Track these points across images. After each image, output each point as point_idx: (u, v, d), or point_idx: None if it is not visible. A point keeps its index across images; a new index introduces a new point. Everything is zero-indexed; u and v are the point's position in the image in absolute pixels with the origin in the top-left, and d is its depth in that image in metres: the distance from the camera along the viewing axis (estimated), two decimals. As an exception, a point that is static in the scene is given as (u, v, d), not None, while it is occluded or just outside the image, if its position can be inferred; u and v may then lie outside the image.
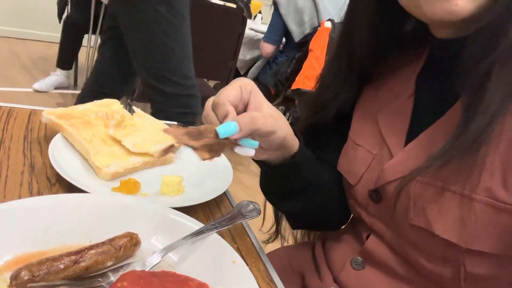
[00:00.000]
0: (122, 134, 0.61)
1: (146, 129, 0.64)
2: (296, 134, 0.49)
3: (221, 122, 0.39)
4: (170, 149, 0.62)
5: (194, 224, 0.45)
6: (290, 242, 0.72)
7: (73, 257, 0.36)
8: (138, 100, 1.77)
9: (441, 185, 0.43)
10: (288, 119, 0.60)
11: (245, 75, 2.51)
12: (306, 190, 0.53)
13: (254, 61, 2.50)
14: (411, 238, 0.47)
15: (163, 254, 0.40)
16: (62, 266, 0.35)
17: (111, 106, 0.67)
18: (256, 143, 0.40)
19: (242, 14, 1.72)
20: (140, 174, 0.58)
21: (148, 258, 0.40)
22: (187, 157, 0.65)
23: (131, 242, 0.40)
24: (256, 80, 2.38)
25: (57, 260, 0.35)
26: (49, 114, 0.59)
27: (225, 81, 1.88)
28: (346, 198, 0.58)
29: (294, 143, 0.48)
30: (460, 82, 0.43)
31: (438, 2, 0.41)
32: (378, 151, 0.52)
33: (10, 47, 3.25)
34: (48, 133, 0.60)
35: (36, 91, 2.55)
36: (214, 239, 0.43)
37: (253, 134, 0.40)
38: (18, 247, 0.37)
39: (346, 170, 0.56)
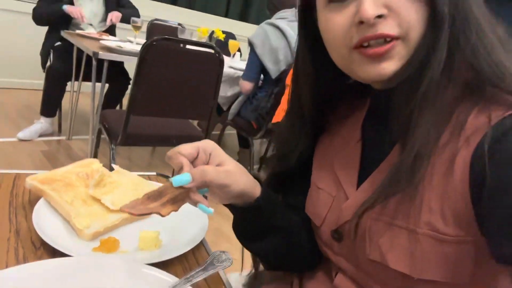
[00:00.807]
0: (102, 192, 0.65)
1: (125, 185, 0.68)
2: (259, 180, 0.55)
3: (177, 173, 0.47)
4: (148, 203, 0.66)
5: (170, 279, 0.48)
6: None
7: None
8: (122, 145, 1.81)
9: (389, 221, 0.48)
10: (273, 150, 0.66)
11: (228, 110, 2.58)
12: (272, 233, 0.58)
13: (235, 97, 2.58)
14: (371, 272, 0.52)
15: (141, 311, 0.44)
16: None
17: (91, 165, 0.71)
18: (210, 211, 0.47)
19: (219, 57, 1.80)
20: (120, 231, 0.61)
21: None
22: (165, 209, 0.69)
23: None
24: (238, 115, 2.46)
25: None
26: (32, 179, 0.63)
27: (207, 119, 1.94)
28: (316, 243, 0.62)
29: (255, 191, 0.53)
30: (393, 127, 0.49)
31: (368, 67, 0.47)
32: (336, 193, 0.57)
33: (-6, 97, 3.29)
34: (32, 198, 0.64)
35: (21, 140, 2.57)
36: (187, 292, 0.47)
37: (208, 186, 0.47)
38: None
39: (312, 212, 0.61)
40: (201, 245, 0.62)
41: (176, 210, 0.46)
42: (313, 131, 0.62)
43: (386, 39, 0.45)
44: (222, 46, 3.10)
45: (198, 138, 1.82)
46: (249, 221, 0.56)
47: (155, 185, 0.72)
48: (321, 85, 0.59)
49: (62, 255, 0.51)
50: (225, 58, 2.82)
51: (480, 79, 0.45)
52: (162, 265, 0.52)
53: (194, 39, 2.74)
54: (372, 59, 0.47)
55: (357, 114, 0.60)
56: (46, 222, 0.57)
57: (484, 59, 0.44)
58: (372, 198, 0.48)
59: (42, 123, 2.70)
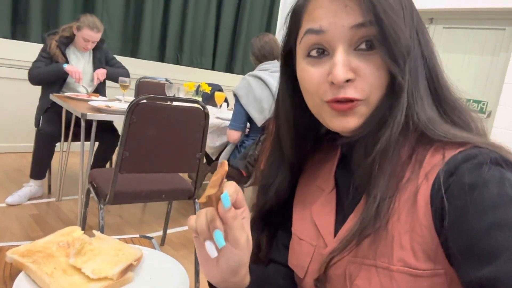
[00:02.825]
0: (82, 261, 0.65)
1: (105, 251, 0.68)
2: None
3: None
4: (128, 268, 0.66)
5: None
6: None
7: None
8: (111, 204, 1.81)
9: (364, 261, 0.50)
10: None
11: (217, 160, 2.60)
12: None
13: (223, 146, 2.61)
14: None
15: None
16: None
17: (72, 233, 0.71)
18: (223, 243, 0.45)
19: (204, 111, 1.85)
20: (100, 300, 0.61)
21: None
22: (146, 272, 0.69)
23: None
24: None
25: None
26: (12, 253, 0.63)
27: (195, 171, 1.95)
28: None
29: (246, 277, 0.53)
30: (356, 178, 0.52)
31: (336, 119, 0.52)
32: (316, 242, 0.58)
33: (-17, 162, 3.29)
34: (13, 272, 0.64)
35: (10, 205, 2.54)
36: None
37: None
38: None
39: (295, 264, 0.61)
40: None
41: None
42: (290, 169, 0.64)
43: (352, 100, 0.50)
44: (209, 98, 3.19)
45: (188, 191, 1.83)
46: None
47: (137, 249, 0.72)
48: (298, 126, 0.62)
49: (39, 332, 0.50)
50: (212, 109, 2.90)
51: (427, 135, 0.50)
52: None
53: (181, 93, 2.82)
54: (338, 113, 0.51)
55: (330, 163, 0.63)
56: (24, 298, 0.56)
57: (425, 124, 0.50)
58: (342, 245, 0.50)
59: (32, 186, 2.68)
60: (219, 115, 2.72)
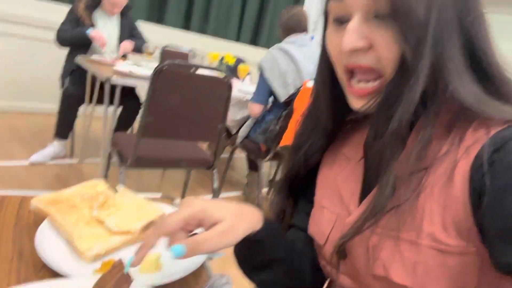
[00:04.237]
0: (105, 214, 0.66)
1: (128, 207, 0.69)
2: (263, 212, 0.55)
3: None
4: (150, 225, 0.66)
5: (169, 302, 0.48)
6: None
7: None
8: (132, 167, 1.83)
9: (391, 234, 0.48)
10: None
11: (237, 133, 2.59)
12: (274, 264, 0.58)
13: (244, 120, 2.60)
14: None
15: (138, 335, 0.43)
16: None
17: (96, 187, 0.72)
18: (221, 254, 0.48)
19: (227, 81, 1.83)
20: (122, 253, 0.61)
21: None
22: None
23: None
24: (247, 138, 2.47)
25: None
26: (37, 201, 0.64)
27: (215, 142, 1.95)
28: (318, 266, 0.62)
29: (257, 228, 0.53)
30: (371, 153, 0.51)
31: (351, 98, 0.52)
32: (339, 211, 0.57)
33: (9, 121, 3.37)
34: (37, 219, 0.65)
35: (34, 163, 2.61)
36: (186, 316, 0.46)
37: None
38: None
39: (315, 231, 0.61)
40: (202, 268, 0.62)
41: None
42: (324, 132, 0.63)
43: (368, 80, 0.49)
44: (232, 70, 3.16)
45: (207, 161, 1.84)
46: (249, 254, 0.55)
47: (159, 207, 0.72)
48: (336, 96, 0.60)
49: (63, 276, 0.51)
50: (235, 81, 2.87)
51: (467, 110, 0.46)
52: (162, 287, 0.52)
53: (205, 64, 2.80)
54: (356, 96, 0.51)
55: (361, 133, 0.61)
56: (48, 244, 0.57)
57: (466, 102, 0.45)
58: (363, 218, 0.49)
59: (55, 146, 2.74)
60: (242, 88, 2.69)
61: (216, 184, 2.03)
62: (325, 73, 0.59)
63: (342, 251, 0.54)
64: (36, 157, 2.64)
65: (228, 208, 0.50)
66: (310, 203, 0.64)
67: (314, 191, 0.64)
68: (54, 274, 0.53)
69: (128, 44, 2.85)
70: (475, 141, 0.45)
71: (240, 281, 0.63)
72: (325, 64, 0.58)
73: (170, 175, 2.94)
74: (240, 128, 2.57)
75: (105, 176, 2.09)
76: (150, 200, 0.75)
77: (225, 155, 2.82)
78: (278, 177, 0.70)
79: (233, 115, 2.59)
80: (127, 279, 0.49)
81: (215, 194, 2.01)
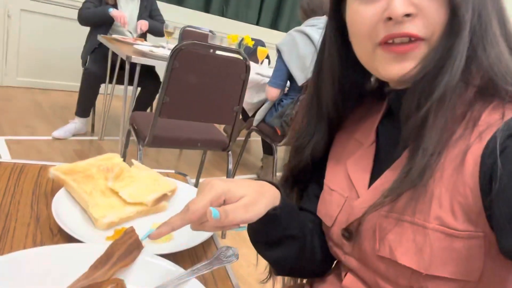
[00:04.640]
0: (120, 185, 0.68)
1: (142, 179, 0.71)
2: (278, 188, 0.55)
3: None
4: (162, 197, 0.68)
5: (177, 270, 0.49)
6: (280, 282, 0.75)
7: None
8: (149, 146, 1.86)
9: (398, 217, 0.48)
10: (290, 141, 0.68)
11: (253, 116, 2.60)
12: (288, 241, 0.58)
13: (261, 103, 2.59)
14: (380, 270, 0.52)
15: (146, 298, 0.45)
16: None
17: (112, 160, 0.74)
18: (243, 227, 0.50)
19: (246, 63, 1.82)
20: (134, 222, 0.63)
21: (132, 302, 0.44)
22: (180, 205, 0.70)
23: (117, 287, 0.45)
24: (263, 121, 2.47)
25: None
26: (55, 170, 0.66)
27: (231, 124, 1.96)
28: (327, 247, 0.62)
29: (276, 202, 0.54)
30: (405, 129, 0.49)
31: (390, 65, 0.49)
32: (348, 194, 0.57)
33: (33, 97, 3.46)
34: (55, 187, 0.67)
35: (55, 138, 2.69)
36: (192, 284, 0.48)
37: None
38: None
39: (323, 214, 0.61)
40: (211, 240, 0.63)
41: (127, 265, 0.48)
42: (329, 126, 0.63)
43: (411, 38, 0.46)
44: (251, 53, 3.14)
45: (223, 143, 1.85)
46: (266, 229, 0.56)
47: (172, 181, 0.73)
48: (344, 80, 0.60)
49: (78, 242, 0.53)
50: (253, 64, 2.85)
51: (493, 84, 0.46)
52: (172, 257, 0.54)
53: (224, 45, 2.79)
54: (395, 57, 0.48)
55: (372, 117, 0.61)
56: (64, 210, 0.60)
57: (498, 69, 0.45)
58: (381, 198, 0.48)
59: (76, 123, 2.81)
60: (260, 71, 2.68)
61: (230, 166, 2.05)
62: (334, 58, 0.58)
63: (348, 232, 0.55)
64: (58, 132, 2.72)
65: (249, 185, 0.51)
66: (319, 186, 0.64)
67: (323, 174, 0.64)
68: (68, 239, 0.55)
69: (143, 23, 2.87)
70: (488, 126, 0.44)
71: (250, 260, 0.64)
72: (334, 48, 0.58)
73: (187, 155, 2.98)
74: (256, 112, 2.57)
75: (124, 154, 2.13)
76: (163, 175, 0.77)
77: (241, 138, 2.83)
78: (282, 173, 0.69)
79: (250, 98, 2.59)
80: (138, 245, 0.51)
81: (229, 176, 2.03)
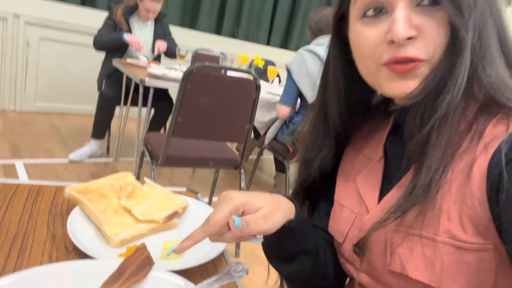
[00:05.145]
0: (133, 204, 0.69)
1: (154, 197, 0.72)
2: (293, 202, 0.56)
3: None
4: (173, 215, 0.69)
5: (187, 285, 0.50)
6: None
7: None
8: (162, 165, 1.89)
9: (408, 231, 0.48)
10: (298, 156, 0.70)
11: (265, 135, 2.62)
12: (302, 255, 0.59)
13: (272, 122, 2.62)
14: (392, 285, 0.52)
15: (157, 313, 0.46)
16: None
17: (125, 179, 0.76)
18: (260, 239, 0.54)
19: (256, 82, 1.85)
20: (146, 239, 0.65)
21: (143, 317, 0.45)
22: (191, 221, 0.72)
23: None
24: (274, 139, 2.48)
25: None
26: (70, 189, 0.68)
27: (243, 142, 1.98)
28: (339, 263, 0.62)
29: (291, 215, 0.55)
30: (409, 147, 0.50)
31: (394, 83, 0.49)
32: (358, 210, 0.57)
33: (50, 121, 3.56)
34: (70, 207, 0.69)
35: (72, 161, 2.75)
36: (202, 298, 0.48)
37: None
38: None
39: (335, 230, 0.61)
40: (222, 256, 0.64)
41: (139, 281, 0.49)
42: (336, 141, 0.63)
43: (414, 60, 0.47)
44: (261, 73, 3.19)
45: (235, 161, 1.87)
46: (280, 243, 0.57)
47: (183, 199, 0.75)
48: (349, 97, 0.60)
49: (91, 259, 0.55)
50: (264, 83, 2.90)
51: (495, 101, 0.46)
52: (183, 274, 0.54)
53: (235, 66, 2.85)
54: (398, 75, 0.48)
55: (380, 133, 0.61)
56: (79, 229, 0.61)
57: (498, 87, 0.46)
58: (388, 214, 0.49)
59: (92, 145, 2.88)
60: (270, 90, 2.71)
61: (243, 184, 2.06)
62: (339, 76, 0.59)
63: (359, 248, 0.55)
64: (74, 155, 2.78)
65: (266, 197, 0.53)
66: (330, 203, 0.64)
67: (333, 191, 0.64)
68: (82, 256, 0.56)
69: (162, 43, 2.95)
70: (494, 138, 0.45)
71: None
72: (338, 67, 0.59)
73: (200, 174, 3.00)
74: (268, 130, 2.59)
75: (138, 174, 2.16)
76: (175, 193, 0.79)
77: (253, 156, 2.84)
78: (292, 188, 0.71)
79: (262, 117, 2.62)
80: (150, 262, 0.52)
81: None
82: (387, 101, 0.61)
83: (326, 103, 0.62)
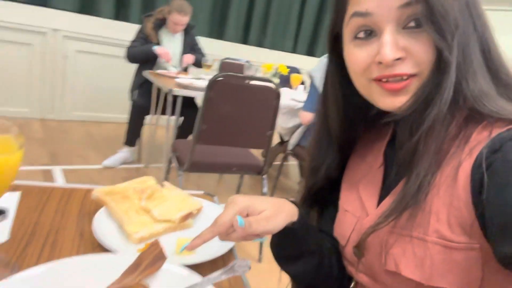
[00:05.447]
0: (152, 205, 0.76)
1: (172, 199, 0.79)
2: (297, 206, 0.61)
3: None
4: (188, 215, 0.75)
5: (196, 278, 0.56)
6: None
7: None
8: (188, 171, 1.97)
9: (401, 232, 0.52)
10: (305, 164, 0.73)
11: (288, 141, 2.66)
12: (305, 256, 0.63)
13: (296, 128, 2.65)
14: (389, 284, 0.55)
15: (167, 301, 0.52)
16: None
17: (147, 182, 0.83)
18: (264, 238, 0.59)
19: (276, 90, 1.91)
20: (163, 237, 0.71)
21: (154, 303, 0.51)
22: (205, 222, 0.78)
23: None
24: (298, 145, 2.52)
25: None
26: (97, 192, 0.76)
27: (265, 148, 2.03)
28: (344, 266, 0.66)
29: (294, 218, 0.59)
30: (399, 155, 0.53)
31: (386, 99, 0.53)
32: (360, 214, 0.61)
33: (86, 129, 3.76)
34: (97, 207, 0.77)
35: (105, 167, 2.89)
36: (208, 290, 0.54)
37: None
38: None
39: (338, 233, 0.65)
40: (231, 253, 0.69)
41: (152, 273, 0.55)
42: (339, 150, 0.67)
43: (403, 77, 0.50)
44: (286, 80, 3.23)
45: (257, 167, 1.92)
46: (284, 244, 0.61)
47: (199, 201, 0.81)
48: (348, 108, 0.64)
49: (113, 253, 0.61)
50: (288, 90, 2.94)
51: (479, 113, 0.49)
52: (194, 268, 0.60)
53: (259, 74, 2.92)
54: (389, 93, 0.52)
55: (381, 141, 0.64)
56: (103, 227, 0.69)
57: (481, 101, 0.48)
58: (382, 217, 0.52)
59: (125, 152, 3.02)
60: (294, 96, 2.75)
61: (265, 189, 2.11)
62: (337, 90, 0.63)
63: (359, 249, 0.59)
64: (107, 161, 2.93)
65: (269, 201, 0.58)
66: (336, 209, 0.68)
67: (339, 197, 0.68)
68: (105, 251, 0.63)
69: (189, 57, 3.07)
70: (478, 143, 0.48)
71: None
72: (336, 81, 0.62)
73: (226, 180, 3.08)
74: (292, 136, 2.63)
75: (166, 179, 2.26)
76: (192, 195, 0.85)
77: (277, 162, 2.89)
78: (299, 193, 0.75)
79: (285, 123, 2.66)
80: (163, 256, 0.58)
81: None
82: (384, 112, 0.64)
83: (327, 115, 0.65)
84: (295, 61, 4.52)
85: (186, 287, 0.54)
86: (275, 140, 3.26)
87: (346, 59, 0.57)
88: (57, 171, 2.69)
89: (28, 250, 0.61)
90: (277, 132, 2.62)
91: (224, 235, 0.56)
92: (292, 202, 0.63)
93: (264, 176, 2.10)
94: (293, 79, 2.91)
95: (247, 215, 0.56)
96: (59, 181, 2.55)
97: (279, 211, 0.57)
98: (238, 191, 2.45)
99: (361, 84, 0.56)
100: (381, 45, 0.49)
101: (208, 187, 2.92)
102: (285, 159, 2.70)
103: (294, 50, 5.11)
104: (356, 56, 0.53)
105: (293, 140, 2.53)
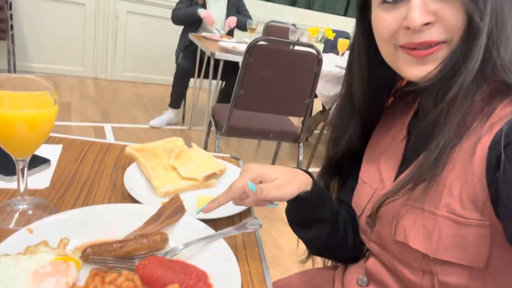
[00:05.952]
0: (179, 163, 0.81)
1: (198, 159, 0.83)
2: (312, 176, 0.63)
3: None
4: (212, 175, 0.80)
5: (209, 231, 0.60)
6: (320, 263, 0.82)
7: (120, 244, 0.55)
8: (225, 135, 2.03)
9: (413, 204, 0.53)
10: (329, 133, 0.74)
11: (329, 109, 2.62)
12: (318, 223, 0.66)
13: (338, 96, 2.60)
14: (396, 253, 0.57)
15: (181, 249, 0.57)
16: (112, 248, 0.54)
17: (176, 142, 0.88)
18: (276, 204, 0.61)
19: (318, 56, 1.87)
20: (186, 193, 0.76)
21: (171, 250, 0.56)
22: (227, 183, 0.81)
23: (161, 238, 0.57)
24: (339, 114, 2.48)
25: (110, 245, 0.54)
26: (130, 148, 0.82)
27: (303, 116, 2.03)
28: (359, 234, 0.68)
29: (308, 188, 0.61)
30: (421, 126, 0.53)
31: (412, 67, 0.52)
32: (377, 186, 0.62)
33: (135, 90, 3.93)
34: (129, 162, 0.83)
35: (152, 127, 3.04)
36: (219, 242, 0.58)
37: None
38: (91, 236, 0.57)
39: (355, 203, 0.67)
40: (248, 211, 0.73)
41: (172, 224, 0.60)
42: (362, 121, 0.67)
43: (431, 45, 0.49)
44: (333, 45, 3.14)
45: (294, 134, 1.93)
46: (298, 210, 0.64)
47: (223, 163, 0.85)
48: (373, 79, 0.63)
49: (140, 203, 0.68)
50: (334, 56, 2.86)
51: (506, 84, 0.47)
52: (212, 223, 0.65)
53: (304, 38, 2.84)
54: (416, 60, 0.51)
55: (406, 113, 0.63)
56: (133, 180, 0.75)
57: (510, 70, 0.47)
58: (396, 188, 0.53)
59: (170, 114, 3.14)
60: (339, 63, 2.68)
61: (301, 157, 2.12)
62: (362, 59, 0.62)
63: (372, 219, 0.60)
64: (154, 122, 3.07)
65: (282, 170, 0.61)
66: (356, 180, 0.69)
67: (359, 169, 0.69)
68: (134, 201, 0.69)
69: (232, 19, 3.06)
70: (500, 118, 0.46)
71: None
72: (362, 50, 0.61)
73: (265, 146, 3.12)
74: (334, 105, 2.59)
75: (206, 142, 2.34)
76: (220, 158, 0.89)
77: (317, 131, 2.87)
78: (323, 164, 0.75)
79: (327, 91, 2.61)
80: (182, 209, 0.63)
81: (300, 166, 2.10)
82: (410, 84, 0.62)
83: (352, 85, 0.65)
84: (347, 25, 4.34)
85: (199, 238, 0.58)
86: (318, 107, 3.23)
87: (373, 25, 0.56)
88: (108, 129, 2.87)
89: (66, 196, 0.68)
90: (320, 99, 2.58)
91: (238, 200, 0.60)
92: (307, 172, 0.64)
93: (301, 144, 2.11)
94: (340, 44, 2.82)
95: (260, 182, 0.59)
96: (110, 138, 2.73)
97: (290, 180, 0.60)
98: (275, 158, 2.49)
99: (387, 51, 0.55)
100: (409, 8, 0.48)
101: (246, 152, 2.99)
102: (325, 127, 2.68)
103: (345, 13, 4.90)
104: (383, 20, 0.52)
105: (334, 109, 2.48)
